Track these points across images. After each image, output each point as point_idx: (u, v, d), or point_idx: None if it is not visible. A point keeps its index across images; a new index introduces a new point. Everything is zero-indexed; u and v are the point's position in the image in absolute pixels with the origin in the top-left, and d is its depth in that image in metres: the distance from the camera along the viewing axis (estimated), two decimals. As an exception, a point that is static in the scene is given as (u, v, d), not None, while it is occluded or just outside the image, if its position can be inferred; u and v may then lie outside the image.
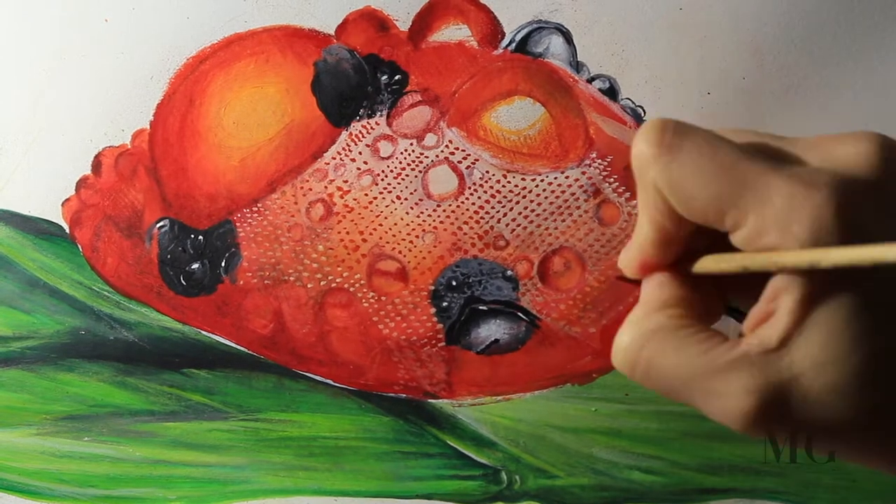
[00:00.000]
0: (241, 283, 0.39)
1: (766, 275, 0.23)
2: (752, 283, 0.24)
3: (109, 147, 0.40)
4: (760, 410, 0.22)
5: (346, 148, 0.39)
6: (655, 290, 0.26)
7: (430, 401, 0.39)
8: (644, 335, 0.25)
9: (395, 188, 0.39)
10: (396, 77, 0.38)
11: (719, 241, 0.24)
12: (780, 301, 0.22)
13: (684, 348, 0.24)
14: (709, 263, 0.25)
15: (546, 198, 0.38)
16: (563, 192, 0.38)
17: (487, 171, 0.38)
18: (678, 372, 0.24)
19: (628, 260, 0.27)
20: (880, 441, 0.23)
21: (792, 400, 0.22)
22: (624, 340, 0.25)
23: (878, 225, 0.22)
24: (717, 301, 0.27)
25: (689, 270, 0.26)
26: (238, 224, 0.39)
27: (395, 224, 0.39)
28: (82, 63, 0.40)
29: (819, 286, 0.22)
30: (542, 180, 0.38)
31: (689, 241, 0.26)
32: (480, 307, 0.38)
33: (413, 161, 0.38)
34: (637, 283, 0.29)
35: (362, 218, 0.39)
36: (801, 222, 0.21)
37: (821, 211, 0.21)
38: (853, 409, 0.22)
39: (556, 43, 0.38)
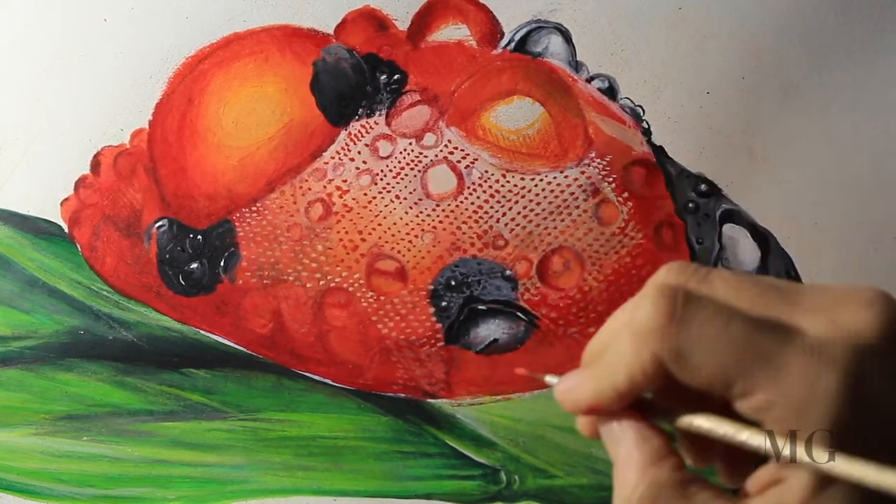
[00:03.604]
0: (240, 282, 0.39)
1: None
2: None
3: (108, 146, 0.40)
4: None
5: (345, 147, 0.39)
6: (640, 445, 0.25)
7: (429, 400, 0.39)
8: (654, 488, 0.24)
9: (394, 188, 0.39)
10: (395, 76, 0.38)
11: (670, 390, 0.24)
12: (793, 471, 0.22)
13: None
14: (702, 423, 0.24)
15: (545, 197, 0.38)
16: (562, 191, 0.38)
17: (486, 171, 0.38)
18: None
19: (577, 401, 0.26)
20: None
21: None
22: (633, 495, 0.24)
23: (889, 396, 0.22)
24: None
25: (654, 419, 0.25)
26: (237, 224, 0.39)
27: (395, 224, 0.38)
28: (81, 63, 0.40)
29: None
30: (541, 180, 0.38)
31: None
32: (479, 307, 0.38)
33: (412, 160, 0.38)
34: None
35: (361, 217, 0.39)
36: (816, 404, 0.21)
37: (836, 397, 0.21)
38: None
39: (555, 42, 0.38)
